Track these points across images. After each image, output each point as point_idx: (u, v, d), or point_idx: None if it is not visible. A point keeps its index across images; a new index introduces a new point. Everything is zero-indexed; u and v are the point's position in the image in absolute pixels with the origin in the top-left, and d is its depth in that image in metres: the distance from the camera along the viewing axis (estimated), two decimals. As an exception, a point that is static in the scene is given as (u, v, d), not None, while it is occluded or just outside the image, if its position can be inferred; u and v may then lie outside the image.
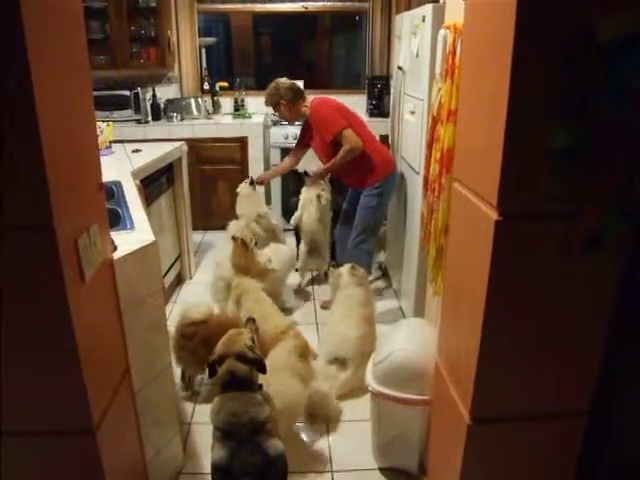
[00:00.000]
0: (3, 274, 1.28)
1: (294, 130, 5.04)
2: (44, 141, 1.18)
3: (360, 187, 3.68)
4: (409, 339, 2.21)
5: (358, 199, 3.73)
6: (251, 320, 2.06)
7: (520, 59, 1.22)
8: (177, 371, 2.75)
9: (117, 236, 1.87)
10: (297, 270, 4.17)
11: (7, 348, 1.35)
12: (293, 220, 4.13)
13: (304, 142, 3.97)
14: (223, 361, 1.84)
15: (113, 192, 2.55)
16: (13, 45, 1.10)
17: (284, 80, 3.77)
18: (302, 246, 4.11)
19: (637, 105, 1.24)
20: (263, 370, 1.87)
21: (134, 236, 2.00)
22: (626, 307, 1.51)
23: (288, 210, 4.73)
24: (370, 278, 3.88)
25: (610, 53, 1.20)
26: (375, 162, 3.58)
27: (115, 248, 1.76)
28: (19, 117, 1.15)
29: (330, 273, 3.42)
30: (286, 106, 3.73)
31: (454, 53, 2.24)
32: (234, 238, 3.40)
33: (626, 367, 1.60)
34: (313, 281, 4.35)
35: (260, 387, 1.86)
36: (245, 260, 3.32)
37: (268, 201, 5.28)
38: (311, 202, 3.96)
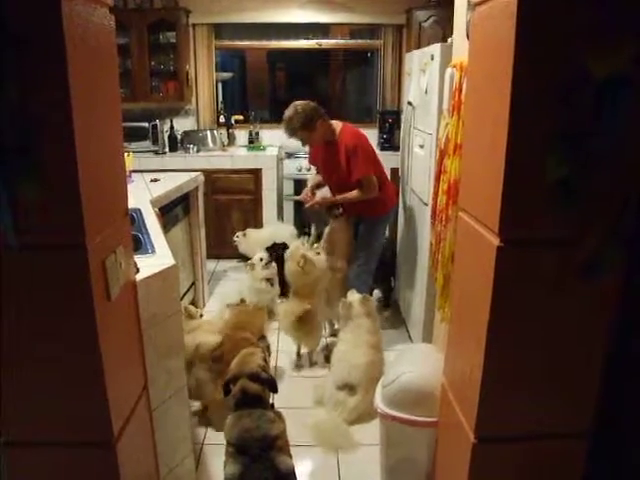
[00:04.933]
0: (37, 290, 1.37)
1: (307, 162, 5.18)
2: (80, 167, 1.28)
3: (361, 216, 3.76)
4: (417, 363, 2.27)
5: (356, 229, 3.81)
6: (263, 337, 2.15)
7: (519, 96, 1.31)
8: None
9: (139, 260, 1.96)
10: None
11: (36, 360, 1.43)
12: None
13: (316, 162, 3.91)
14: (237, 380, 1.92)
15: (134, 219, 2.66)
16: (57, 81, 1.22)
17: (301, 101, 3.53)
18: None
19: (629, 139, 1.33)
20: (275, 389, 1.95)
21: (155, 260, 2.11)
22: (625, 329, 1.58)
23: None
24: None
25: (604, 90, 1.30)
26: (381, 198, 3.67)
27: (137, 270, 1.86)
28: (59, 145, 1.26)
29: (341, 303, 3.48)
30: (323, 125, 3.52)
31: (460, 90, 2.36)
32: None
33: (626, 387, 1.65)
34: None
35: (272, 406, 1.93)
36: None
37: (280, 215, 5.47)
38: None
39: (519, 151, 1.35)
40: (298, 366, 3.62)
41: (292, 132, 3.54)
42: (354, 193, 3.57)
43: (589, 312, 1.52)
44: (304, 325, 3.45)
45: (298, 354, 3.68)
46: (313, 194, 3.88)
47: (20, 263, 1.33)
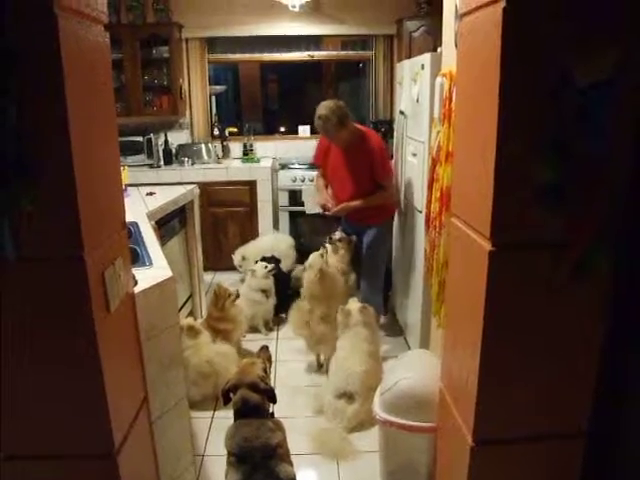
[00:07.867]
0: (36, 302, 1.39)
1: (302, 173, 5.22)
2: (78, 181, 1.30)
3: (363, 224, 3.77)
4: (414, 368, 2.28)
5: (360, 239, 3.83)
6: (264, 348, 2.16)
7: (507, 103, 1.34)
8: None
9: (136, 272, 1.97)
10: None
11: (36, 373, 1.44)
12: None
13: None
14: (237, 390, 1.93)
15: (131, 232, 2.68)
16: (54, 98, 1.24)
17: (329, 100, 3.56)
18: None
19: (614, 143, 1.36)
20: (274, 400, 1.96)
21: (152, 272, 2.12)
22: (619, 328, 1.60)
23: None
24: (382, 320, 4.07)
25: (587, 96, 1.33)
26: (386, 203, 3.73)
27: (136, 283, 1.87)
28: (57, 159, 1.28)
29: (339, 310, 3.50)
30: (351, 124, 3.56)
31: (450, 99, 2.39)
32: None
33: (623, 387, 1.67)
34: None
35: (272, 415, 1.94)
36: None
37: (276, 226, 5.48)
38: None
39: (509, 156, 1.38)
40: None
41: (332, 129, 3.48)
42: (377, 196, 3.61)
43: (583, 314, 1.54)
44: (322, 325, 3.49)
45: (319, 363, 3.72)
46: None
47: (19, 275, 1.35)
